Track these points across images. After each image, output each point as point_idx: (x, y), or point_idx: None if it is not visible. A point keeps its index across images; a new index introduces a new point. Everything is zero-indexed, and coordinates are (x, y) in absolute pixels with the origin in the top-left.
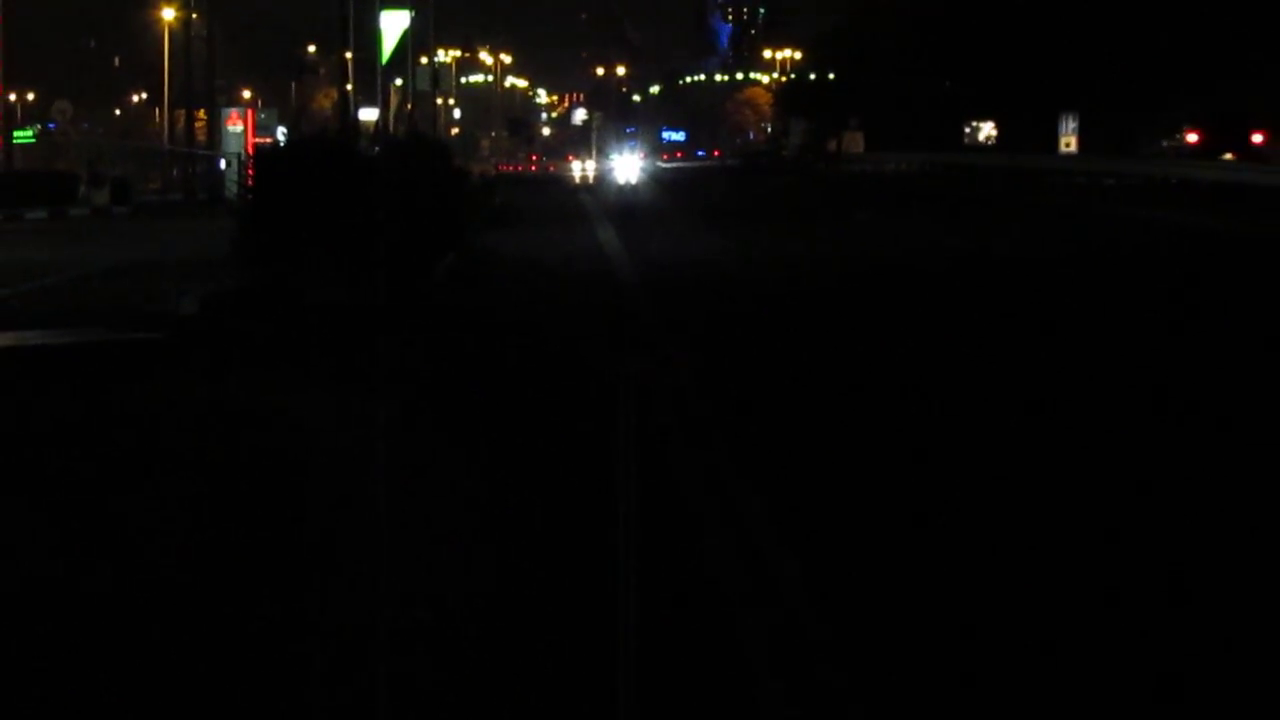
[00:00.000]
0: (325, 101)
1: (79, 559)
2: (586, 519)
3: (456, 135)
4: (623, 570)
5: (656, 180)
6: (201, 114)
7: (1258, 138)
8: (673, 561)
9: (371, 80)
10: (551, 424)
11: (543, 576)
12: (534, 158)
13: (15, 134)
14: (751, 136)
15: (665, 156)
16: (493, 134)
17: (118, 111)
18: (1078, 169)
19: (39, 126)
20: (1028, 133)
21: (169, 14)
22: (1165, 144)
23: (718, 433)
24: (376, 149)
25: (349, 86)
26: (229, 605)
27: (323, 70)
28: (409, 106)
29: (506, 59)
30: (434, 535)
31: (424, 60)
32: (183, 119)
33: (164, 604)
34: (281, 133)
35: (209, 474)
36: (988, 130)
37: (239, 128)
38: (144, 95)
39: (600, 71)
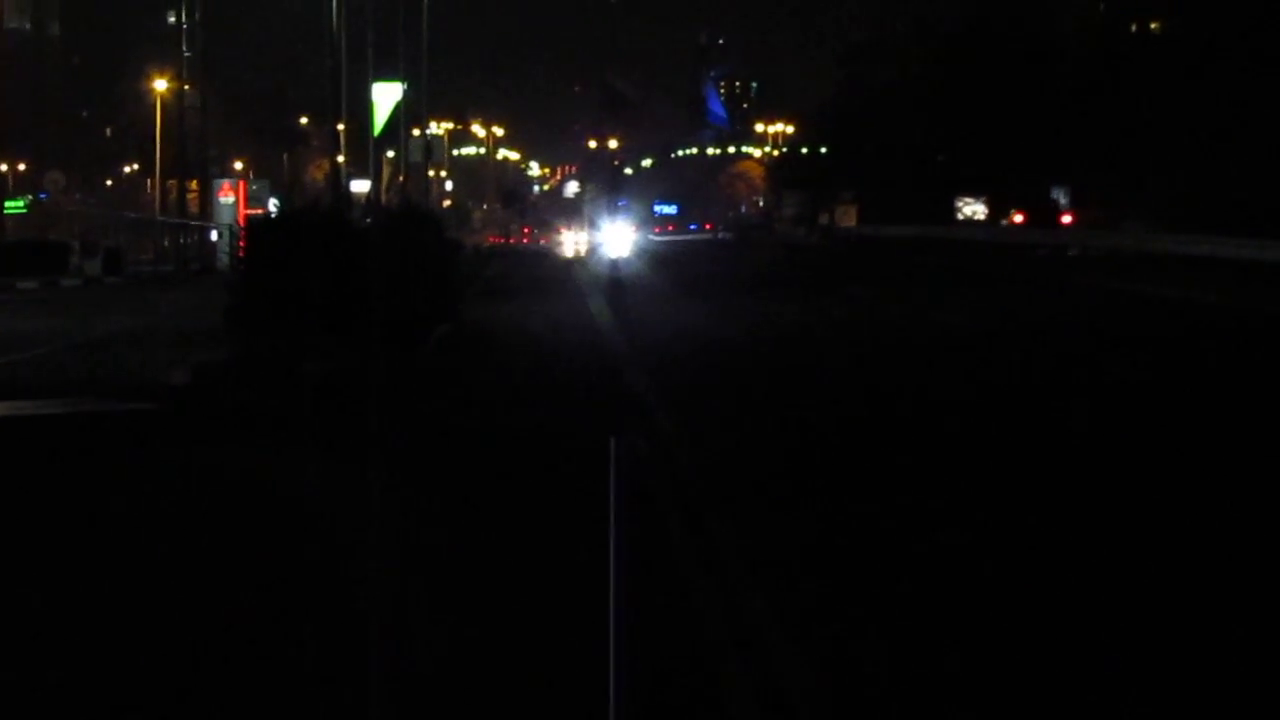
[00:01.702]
0: (318, 172)
1: (61, 626)
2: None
3: (449, 207)
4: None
5: (649, 254)
6: (194, 184)
7: (1067, 218)
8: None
9: (364, 151)
10: (540, 508)
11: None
12: (526, 230)
13: (7, 204)
14: (744, 209)
15: (657, 229)
16: (485, 206)
17: (110, 182)
18: (1060, 241)
19: (31, 197)
20: (1020, 205)
21: (161, 85)
22: (1003, 222)
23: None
24: (368, 220)
25: (341, 158)
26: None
27: (315, 141)
28: (401, 178)
29: (499, 131)
30: (416, 612)
31: (416, 131)
32: (175, 189)
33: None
34: (274, 204)
35: (197, 544)
36: (975, 208)
37: (231, 198)
38: (136, 166)
39: (593, 144)
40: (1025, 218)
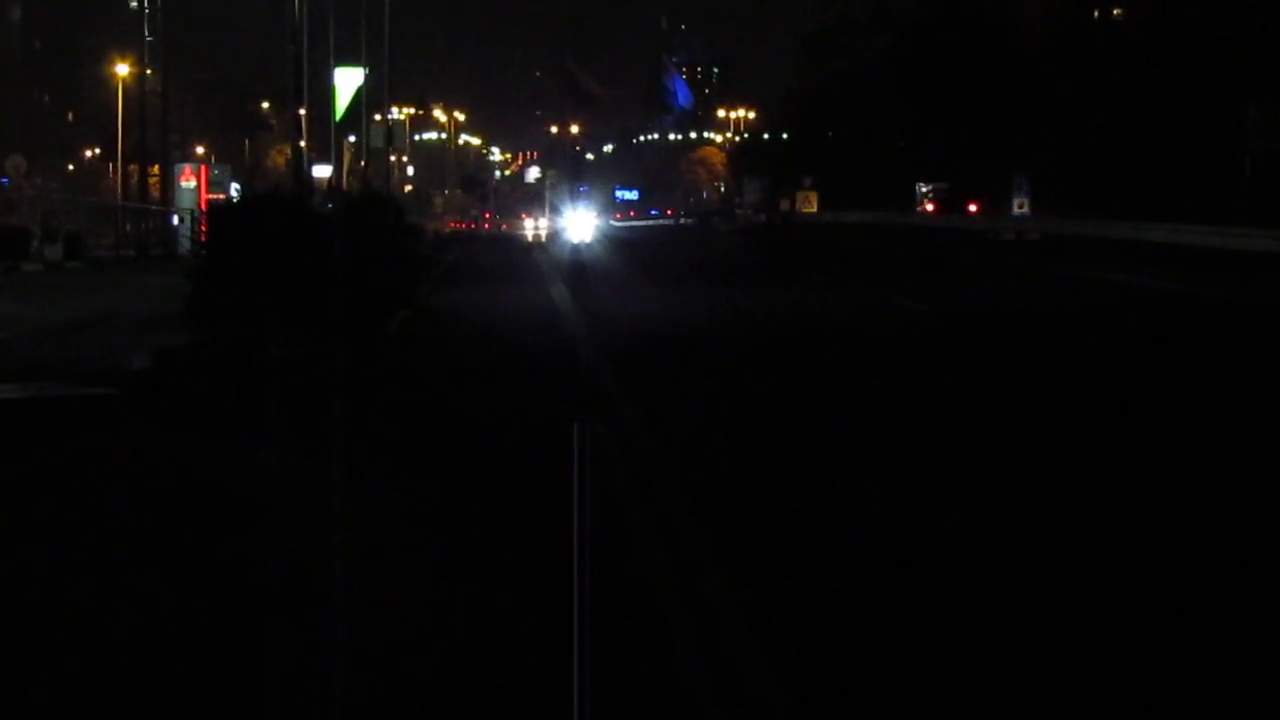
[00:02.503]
0: (279, 158)
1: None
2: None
3: (410, 192)
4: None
5: (610, 239)
6: (155, 169)
7: (972, 207)
8: None
9: (326, 137)
10: (500, 490)
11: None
12: (488, 215)
13: None
14: (705, 196)
15: (619, 215)
16: (446, 191)
17: (71, 166)
18: (1023, 228)
19: None
20: (982, 193)
21: (123, 69)
22: (917, 209)
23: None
24: (330, 205)
25: (303, 143)
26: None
27: (276, 127)
28: (363, 163)
29: (460, 116)
30: (376, 602)
31: (378, 117)
32: (137, 174)
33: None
34: (235, 189)
35: (152, 529)
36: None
37: (192, 183)
38: (98, 150)
39: (554, 129)
40: (936, 207)
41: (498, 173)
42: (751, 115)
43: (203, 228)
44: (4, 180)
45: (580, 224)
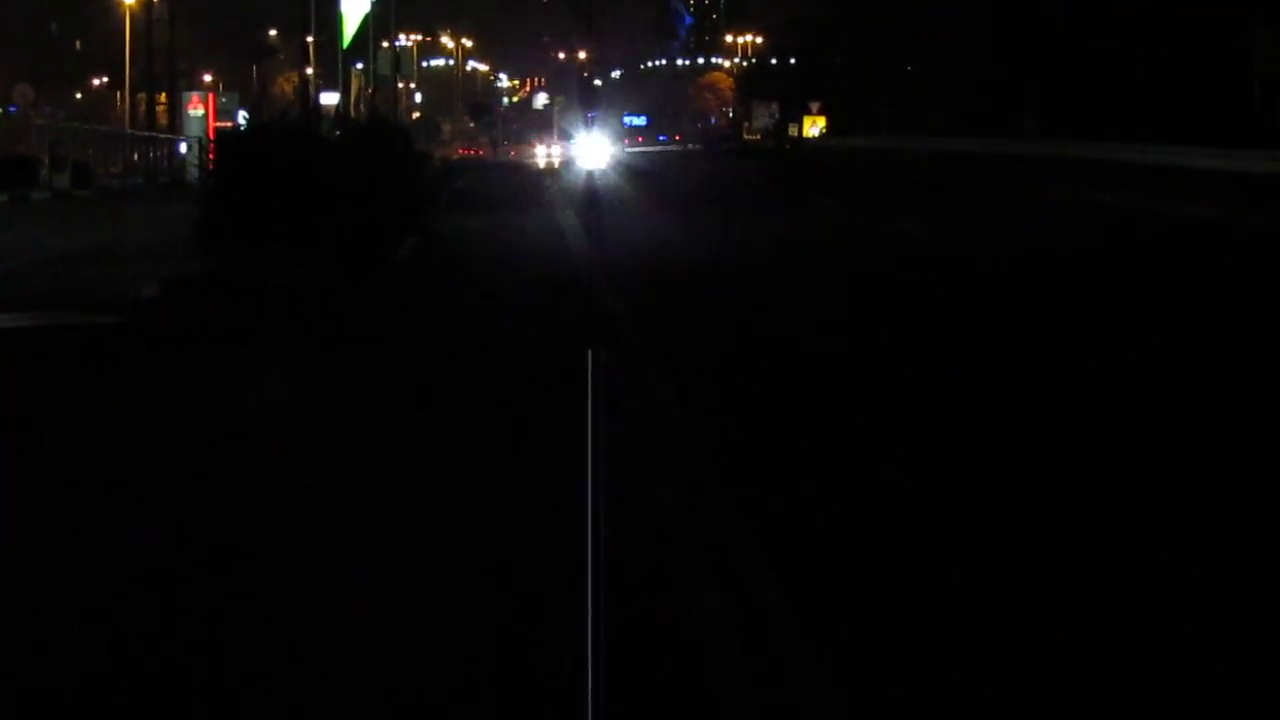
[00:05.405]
0: (287, 85)
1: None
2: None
3: (418, 119)
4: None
5: (622, 164)
6: (163, 98)
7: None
8: None
9: (333, 64)
10: (512, 421)
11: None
12: (495, 143)
13: None
14: (714, 121)
15: (627, 141)
16: (454, 118)
17: (79, 95)
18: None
19: None
20: (991, 117)
21: None
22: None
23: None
24: (338, 133)
25: (310, 70)
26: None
27: (283, 55)
28: (370, 90)
29: (468, 43)
30: (388, 523)
31: (385, 44)
32: (144, 103)
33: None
34: (243, 116)
35: (166, 455)
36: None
37: (200, 111)
38: (105, 79)
39: (562, 56)
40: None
41: (505, 99)
42: (759, 40)
43: (210, 156)
44: (11, 109)
45: (595, 150)
